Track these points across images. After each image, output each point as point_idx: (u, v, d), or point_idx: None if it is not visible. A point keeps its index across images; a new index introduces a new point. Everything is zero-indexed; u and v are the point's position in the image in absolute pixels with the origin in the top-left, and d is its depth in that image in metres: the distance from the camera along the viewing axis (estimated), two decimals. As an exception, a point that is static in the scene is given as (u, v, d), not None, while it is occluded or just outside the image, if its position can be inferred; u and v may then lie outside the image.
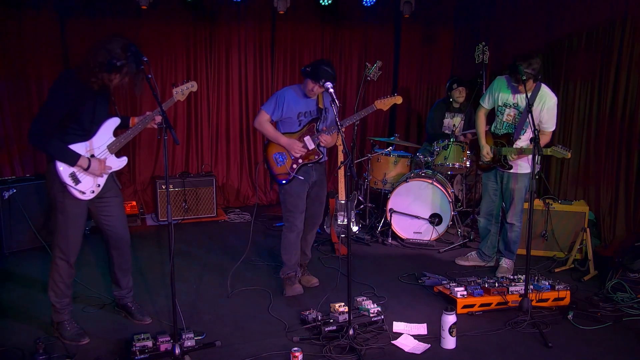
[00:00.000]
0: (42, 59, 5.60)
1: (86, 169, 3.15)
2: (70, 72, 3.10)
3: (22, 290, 4.11)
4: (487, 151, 4.38)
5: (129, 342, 3.15)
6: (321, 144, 3.95)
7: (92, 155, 3.21)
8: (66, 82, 3.07)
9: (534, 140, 3.69)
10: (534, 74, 3.99)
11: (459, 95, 5.86)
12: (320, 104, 3.97)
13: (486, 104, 4.46)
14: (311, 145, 3.93)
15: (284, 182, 3.96)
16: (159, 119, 3.32)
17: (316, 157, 3.97)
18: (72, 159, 3.11)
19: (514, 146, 4.26)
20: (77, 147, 3.15)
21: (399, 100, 3.98)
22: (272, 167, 3.99)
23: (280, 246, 4.11)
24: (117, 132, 3.31)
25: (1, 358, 3.16)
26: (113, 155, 3.30)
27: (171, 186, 5.87)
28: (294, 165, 3.95)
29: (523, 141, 4.27)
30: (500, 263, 4.59)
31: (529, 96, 3.90)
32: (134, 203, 6.03)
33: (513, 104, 4.27)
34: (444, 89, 7.38)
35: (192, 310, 3.80)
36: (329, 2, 6.32)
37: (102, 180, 3.28)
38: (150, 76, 2.93)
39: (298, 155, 3.93)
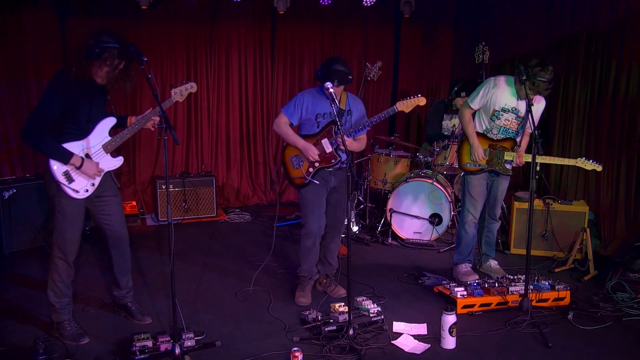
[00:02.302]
0: (42, 59, 5.60)
1: (79, 168, 3.15)
2: (66, 72, 3.10)
3: (22, 290, 4.11)
4: (481, 154, 4.17)
5: (129, 342, 3.14)
6: (340, 147, 3.77)
7: (87, 155, 3.21)
8: (61, 82, 3.08)
9: (534, 141, 3.68)
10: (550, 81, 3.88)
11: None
12: (343, 105, 3.85)
13: (476, 105, 4.17)
14: (328, 149, 3.79)
15: (298, 185, 3.87)
16: (156, 119, 3.32)
17: (333, 160, 3.80)
18: (65, 157, 3.11)
19: (516, 151, 4.14)
20: (73, 146, 3.16)
21: (422, 101, 3.75)
22: (288, 170, 3.89)
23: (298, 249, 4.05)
24: (113, 132, 3.31)
25: (1, 358, 3.16)
26: (108, 154, 3.30)
27: (171, 186, 5.87)
28: (310, 169, 3.82)
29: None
30: (491, 265, 4.52)
31: (531, 101, 3.85)
32: (134, 203, 6.03)
33: (512, 108, 4.10)
34: (444, 89, 7.40)
35: (192, 310, 3.80)
36: (329, 2, 6.32)
37: (96, 180, 3.28)
38: (150, 76, 2.93)
39: (313, 160, 3.80)
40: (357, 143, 3.95)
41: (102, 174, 3.29)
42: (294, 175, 3.88)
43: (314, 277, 4.06)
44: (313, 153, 3.79)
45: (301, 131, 3.92)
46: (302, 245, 3.98)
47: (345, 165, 3.83)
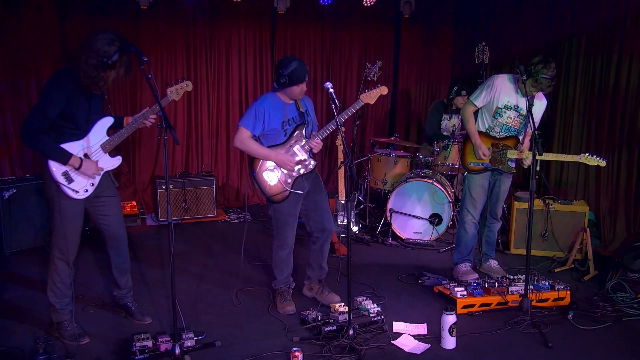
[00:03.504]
0: (42, 59, 5.60)
1: (78, 169, 3.15)
2: (64, 72, 3.10)
3: (22, 290, 4.11)
4: (486, 151, 4.16)
5: (129, 342, 3.15)
6: (313, 150, 3.68)
7: (86, 155, 3.21)
8: (59, 82, 3.07)
9: (534, 140, 3.68)
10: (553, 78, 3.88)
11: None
12: (300, 107, 3.69)
13: (480, 102, 4.14)
14: (303, 155, 3.67)
15: (280, 200, 3.66)
16: (153, 117, 3.32)
17: (311, 166, 3.70)
18: (64, 157, 3.11)
19: (519, 149, 4.13)
20: (72, 146, 3.16)
21: (384, 90, 3.70)
22: (265, 188, 3.64)
23: (271, 259, 3.94)
24: (110, 132, 3.32)
25: (1, 358, 3.16)
26: (107, 154, 3.30)
27: (171, 186, 5.86)
28: (289, 180, 3.64)
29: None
30: (491, 265, 4.52)
31: (531, 99, 3.87)
32: (134, 203, 6.02)
33: (514, 106, 4.10)
34: (444, 89, 7.40)
35: (192, 310, 3.80)
36: (329, 2, 6.32)
37: (96, 180, 3.28)
38: (150, 76, 2.93)
39: (292, 170, 3.65)
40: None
41: (102, 173, 3.29)
42: (273, 192, 3.65)
43: (291, 285, 3.95)
44: (291, 162, 3.64)
45: (265, 142, 3.67)
46: (276, 257, 3.84)
47: (314, 164, 3.78)
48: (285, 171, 3.66)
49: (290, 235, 3.79)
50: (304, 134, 3.70)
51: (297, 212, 3.79)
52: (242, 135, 3.59)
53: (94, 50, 2.99)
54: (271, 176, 3.65)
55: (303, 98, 3.75)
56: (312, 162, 3.75)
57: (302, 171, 3.70)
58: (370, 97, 3.70)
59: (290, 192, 3.66)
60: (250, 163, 3.71)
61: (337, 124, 3.45)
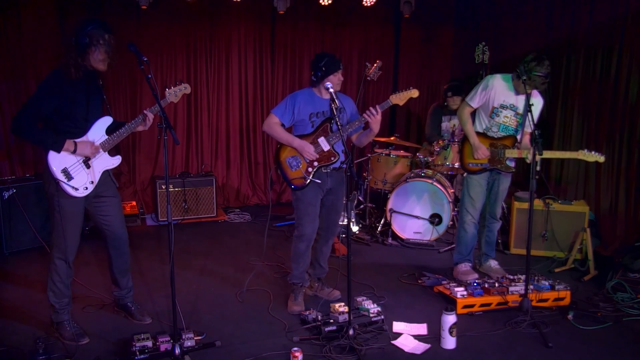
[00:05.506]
0: (42, 59, 5.59)
1: (74, 152, 3.15)
2: (59, 70, 3.12)
3: (22, 290, 4.11)
4: (485, 151, 4.17)
5: (129, 342, 3.14)
6: (335, 145, 3.73)
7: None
8: (55, 81, 3.09)
9: (534, 140, 3.67)
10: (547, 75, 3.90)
11: (454, 103, 5.77)
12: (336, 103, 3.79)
13: (475, 103, 4.17)
14: (326, 147, 3.71)
15: (299, 187, 3.75)
16: (151, 117, 3.32)
17: (333, 158, 3.73)
18: (57, 143, 3.11)
19: (516, 148, 4.14)
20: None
21: (415, 93, 3.72)
22: (286, 172, 3.77)
23: (290, 253, 3.96)
24: (109, 132, 3.32)
25: (1, 358, 3.16)
26: (106, 153, 3.31)
27: (171, 186, 5.87)
28: (310, 169, 3.73)
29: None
30: (491, 265, 4.52)
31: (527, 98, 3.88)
32: (134, 203, 6.03)
33: (510, 105, 4.11)
34: (444, 89, 7.39)
35: (192, 310, 3.80)
36: (329, 2, 6.33)
37: (95, 177, 3.28)
38: (150, 76, 2.93)
39: (311, 159, 3.72)
40: (365, 137, 3.85)
41: (100, 152, 3.28)
42: (292, 177, 3.78)
43: (305, 284, 3.98)
44: (310, 150, 3.70)
45: (295, 132, 3.83)
46: (294, 249, 3.89)
47: (344, 166, 3.80)
48: (307, 160, 3.75)
49: (308, 226, 3.81)
50: (332, 127, 3.75)
51: (317, 204, 3.83)
52: (271, 120, 3.78)
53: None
54: (293, 163, 3.77)
55: (340, 96, 3.79)
56: (338, 156, 3.75)
57: (329, 161, 3.75)
58: (400, 98, 3.76)
59: (310, 180, 3.74)
60: (277, 150, 3.84)
61: (338, 128, 3.45)
